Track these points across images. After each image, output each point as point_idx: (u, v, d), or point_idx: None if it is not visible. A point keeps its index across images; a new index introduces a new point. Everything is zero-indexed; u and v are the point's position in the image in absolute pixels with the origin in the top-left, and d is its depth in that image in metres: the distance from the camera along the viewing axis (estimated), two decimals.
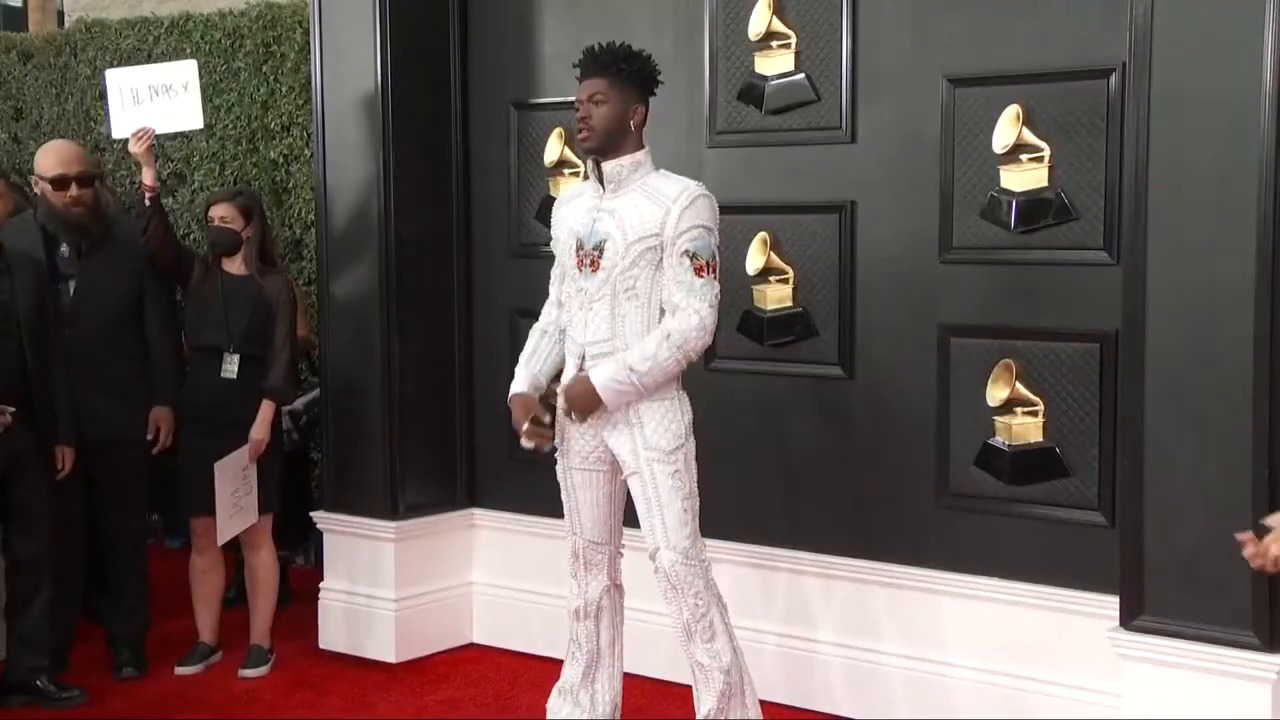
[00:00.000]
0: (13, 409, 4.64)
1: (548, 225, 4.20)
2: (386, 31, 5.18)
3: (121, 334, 5.13)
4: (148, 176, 5.18)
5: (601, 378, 3.83)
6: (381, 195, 5.24)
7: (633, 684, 4.52)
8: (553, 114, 5.23)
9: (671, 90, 4.73)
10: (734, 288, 4.70)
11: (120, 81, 5.25)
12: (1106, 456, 4.19)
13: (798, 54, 4.71)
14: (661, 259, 3.87)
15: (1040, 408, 4.31)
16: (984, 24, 4.35)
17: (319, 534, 5.57)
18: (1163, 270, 3.80)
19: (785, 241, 4.76)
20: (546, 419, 3.98)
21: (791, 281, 4.75)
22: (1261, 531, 2.91)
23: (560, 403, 3.91)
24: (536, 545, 5.23)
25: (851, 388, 4.67)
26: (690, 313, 3.83)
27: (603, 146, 3.92)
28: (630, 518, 4.03)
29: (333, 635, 5.41)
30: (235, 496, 5.03)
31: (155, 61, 6.61)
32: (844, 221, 4.62)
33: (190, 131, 5.97)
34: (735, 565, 4.73)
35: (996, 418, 4.38)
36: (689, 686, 4.05)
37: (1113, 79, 4.11)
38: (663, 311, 3.89)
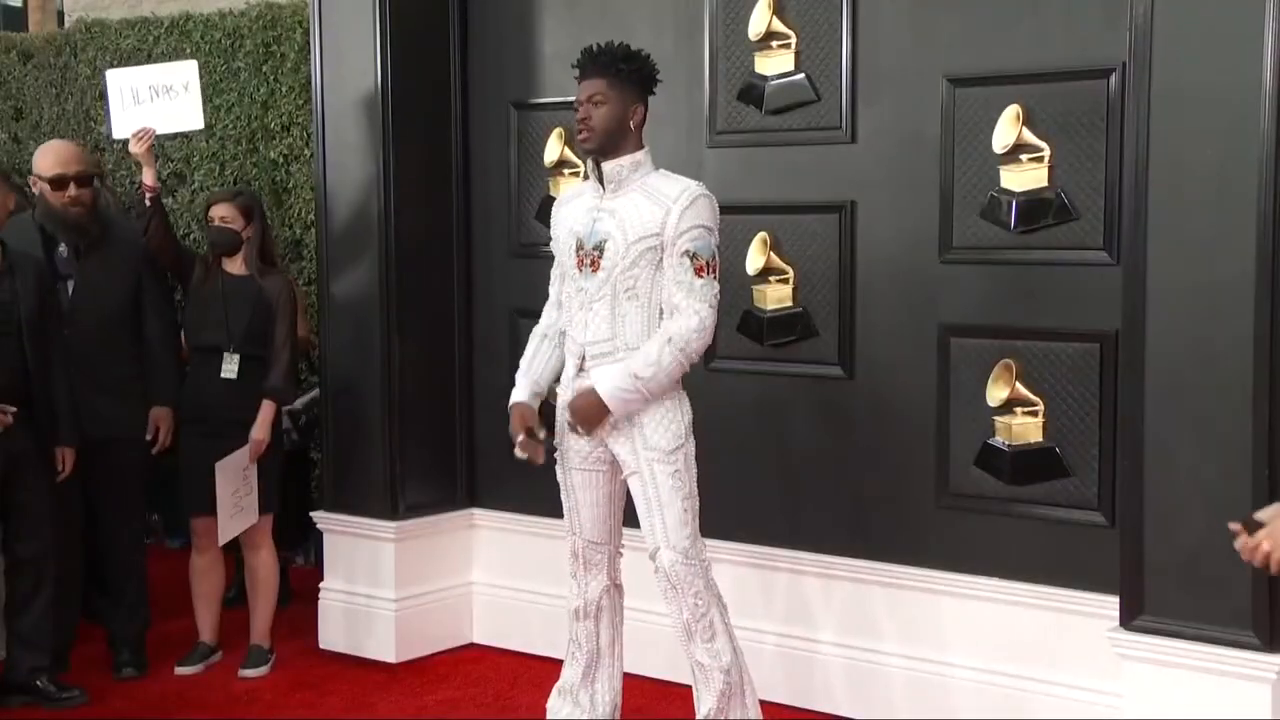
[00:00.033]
0: (14, 409, 4.64)
1: (548, 225, 4.20)
2: (386, 31, 5.18)
3: (120, 334, 5.13)
4: (148, 177, 5.19)
5: (607, 388, 3.82)
6: (381, 195, 5.24)
7: (633, 684, 4.52)
8: (553, 114, 5.23)
9: (671, 90, 4.73)
10: (734, 288, 4.70)
11: (121, 82, 5.25)
12: (1106, 456, 4.19)
13: (798, 54, 4.71)
14: (662, 259, 3.87)
15: (1040, 408, 4.31)
16: (984, 24, 4.35)
17: (319, 534, 5.57)
18: (1163, 270, 3.80)
19: (785, 241, 4.76)
20: (541, 435, 4.01)
21: (791, 281, 4.75)
22: (1254, 526, 2.90)
23: (566, 418, 3.90)
24: (536, 545, 5.23)
25: (851, 388, 4.67)
26: (690, 313, 3.83)
27: (603, 147, 3.92)
28: (630, 518, 4.03)
29: (333, 635, 5.41)
30: (236, 497, 5.03)
31: (155, 61, 6.61)
32: (844, 221, 4.62)
33: (190, 132, 5.97)
34: (735, 565, 4.73)
35: (996, 418, 4.38)
36: (689, 686, 4.05)
37: (1113, 79, 4.11)
38: (663, 311, 3.90)
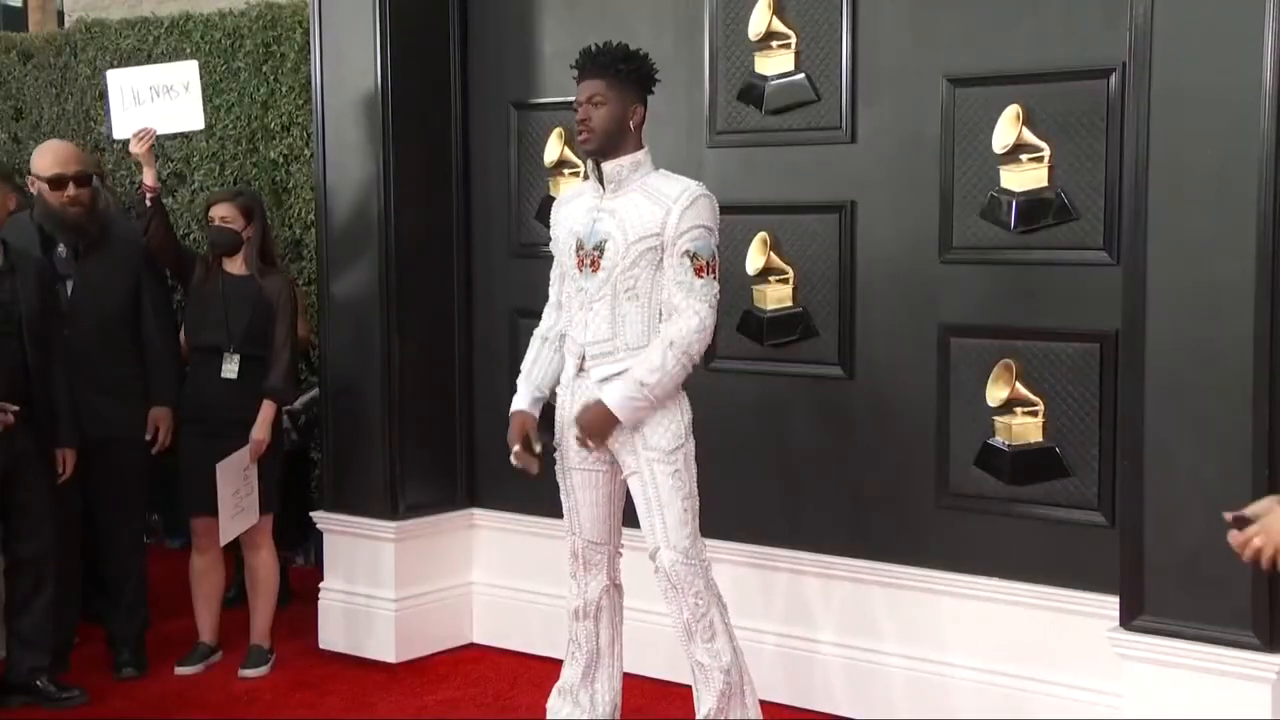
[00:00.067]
0: (15, 408, 4.64)
1: (548, 225, 4.20)
2: (386, 31, 5.18)
3: (120, 334, 5.13)
4: (148, 177, 5.18)
5: (615, 398, 3.82)
6: (381, 195, 5.24)
7: (633, 684, 4.52)
8: (553, 114, 5.23)
9: (671, 90, 4.73)
10: (734, 288, 4.70)
11: (121, 82, 5.25)
12: (1106, 456, 4.19)
13: (798, 54, 4.71)
14: (662, 259, 3.87)
15: (1040, 408, 4.31)
16: (984, 24, 4.35)
17: (319, 534, 5.57)
18: (1163, 270, 3.80)
19: (785, 241, 4.76)
20: (538, 448, 4.04)
21: (791, 281, 4.75)
22: (1243, 522, 2.91)
23: (574, 433, 3.90)
24: (536, 545, 5.23)
25: (851, 388, 4.67)
26: (690, 314, 3.83)
27: (603, 147, 3.92)
28: (630, 518, 4.03)
29: (333, 635, 5.41)
30: (237, 497, 5.03)
31: (155, 61, 6.61)
32: (844, 221, 4.62)
33: (190, 132, 5.97)
34: (735, 565, 4.73)
35: (996, 418, 4.38)
36: (689, 686, 4.05)
37: (1113, 79, 4.11)
38: (663, 312, 3.90)
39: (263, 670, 5.19)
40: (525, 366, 4.16)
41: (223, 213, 5.16)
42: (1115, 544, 4.01)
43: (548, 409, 4.13)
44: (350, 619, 5.37)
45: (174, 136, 6.36)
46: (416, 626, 5.33)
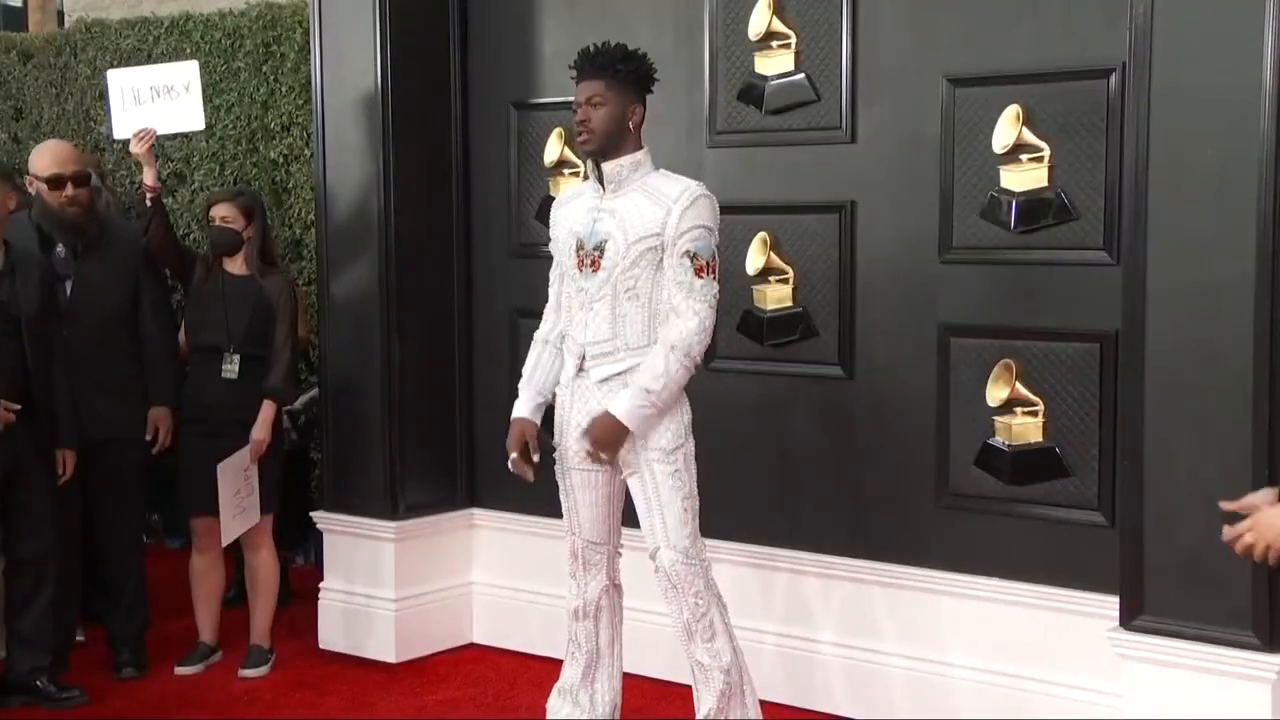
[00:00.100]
0: (17, 406, 4.64)
1: (548, 225, 4.20)
2: (386, 31, 5.18)
3: (119, 334, 5.13)
4: (149, 177, 5.18)
5: (623, 409, 3.82)
6: (381, 195, 5.24)
7: (633, 684, 4.52)
8: (553, 114, 5.23)
9: (671, 90, 4.74)
10: (734, 288, 4.70)
11: (122, 82, 5.24)
12: (1106, 456, 4.19)
13: (798, 54, 4.71)
14: (662, 259, 3.87)
15: (1040, 408, 4.31)
16: (984, 24, 4.35)
17: (319, 534, 5.57)
18: (1163, 270, 3.80)
19: (785, 241, 4.76)
20: (535, 457, 4.07)
21: (791, 281, 4.75)
22: (1236, 518, 2.93)
23: (585, 447, 3.90)
24: (536, 545, 5.23)
25: (851, 388, 4.67)
26: (689, 315, 3.83)
27: (603, 148, 3.92)
28: (629, 518, 4.03)
29: (332, 635, 5.41)
30: (238, 498, 5.03)
31: (155, 61, 6.62)
32: (844, 221, 4.62)
33: (190, 132, 5.97)
34: (735, 565, 4.73)
35: (996, 418, 4.38)
36: (689, 686, 4.05)
37: (1113, 79, 4.11)
38: (662, 312, 3.90)
39: (263, 670, 5.19)
40: (526, 371, 4.16)
41: (223, 213, 5.16)
42: (1115, 544, 4.01)
43: (550, 410, 4.13)
44: (350, 619, 5.37)
45: (174, 136, 6.36)
46: (416, 626, 5.33)
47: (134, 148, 5.20)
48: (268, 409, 5.09)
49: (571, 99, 3.99)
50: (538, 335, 4.18)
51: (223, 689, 5.07)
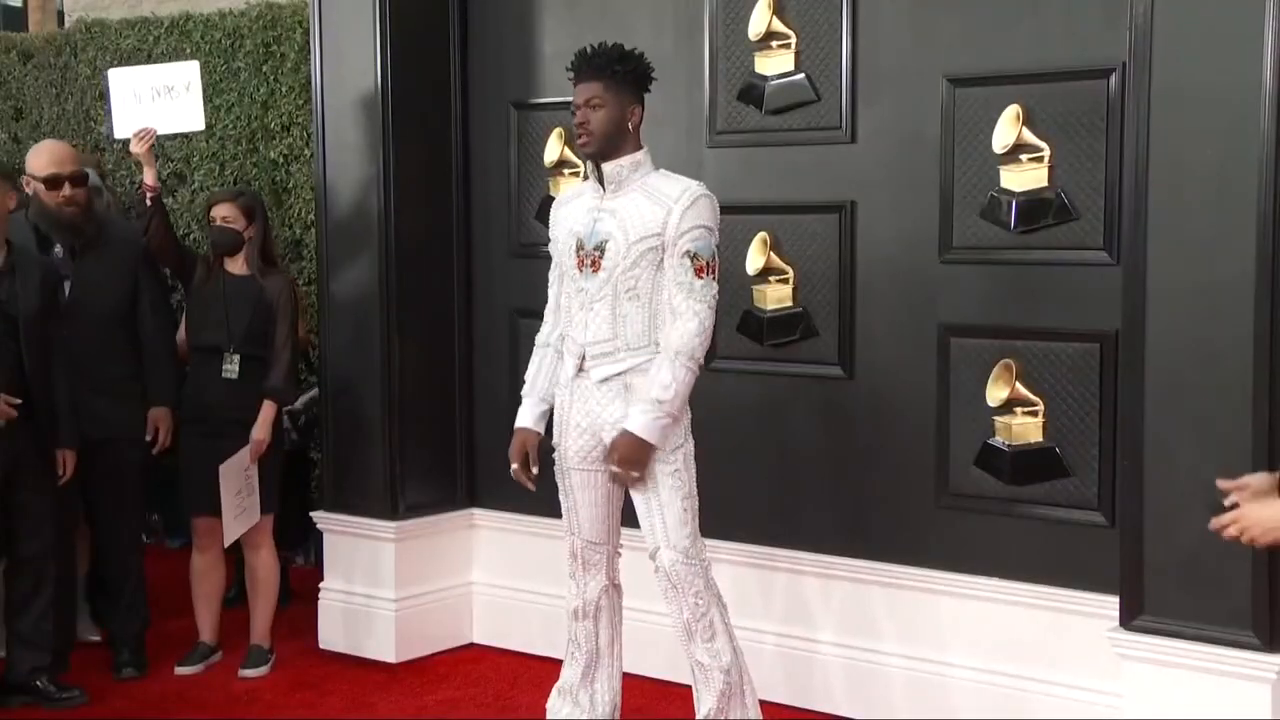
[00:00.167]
0: (18, 400, 4.63)
1: (548, 225, 4.20)
2: (386, 31, 5.18)
3: (118, 334, 5.13)
4: (149, 176, 5.18)
5: (641, 425, 3.82)
6: (381, 195, 5.24)
7: (633, 684, 4.52)
8: (553, 114, 5.22)
9: (671, 90, 4.74)
10: (734, 288, 4.71)
11: (122, 81, 5.24)
12: (1106, 456, 4.19)
13: (798, 54, 4.71)
14: (662, 259, 3.87)
15: (1040, 408, 4.31)
16: (984, 24, 4.35)
17: (319, 534, 5.57)
18: (1163, 270, 3.80)
19: (785, 241, 4.76)
20: (534, 470, 4.10)
21: (791, 281, 4.75)
22: (1222, 509, 2.97)
23: (613, 468, 3.89)
24: (536, 545, 5.23)
25: (851, 388, 4.67)
26: (689, 316, 3.84)
27: (602, 150, 3.92)
28: (629, 517, 4.03)
29: (332, 635, 5.41)
30: (239, 498, 5.03)
31: (155, 61, 6.61)
32: (844, 221, 4.62)
33: (190, 132, 5.97)
34: (735, 565, 4.73)
35: (996, 418, 4.38)
36: (689, 686, 4.05)
37: (1113, 79, 4.11)
38: (661, 312, 3.90)
39: (263, 670, 5.19)
40: (529, 377, 4.16)
41: (224, 213, 5.16)
42: (1115, 544, 4.02)
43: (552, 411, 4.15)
44: (350, 619, 5.37)
45: (174, 136, 6.36)
46: (416, 626, 5.33)
47: (134, 147, 5.19)
48: (268, 409, 5.09)
49: (571, 99, 3.99)
50: (539, 339, 4.18)
51: (223, 689, 5.06)
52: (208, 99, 5.81)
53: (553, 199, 4.76)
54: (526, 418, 4.14)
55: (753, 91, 4.79)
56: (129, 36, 7.13)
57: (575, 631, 4.16)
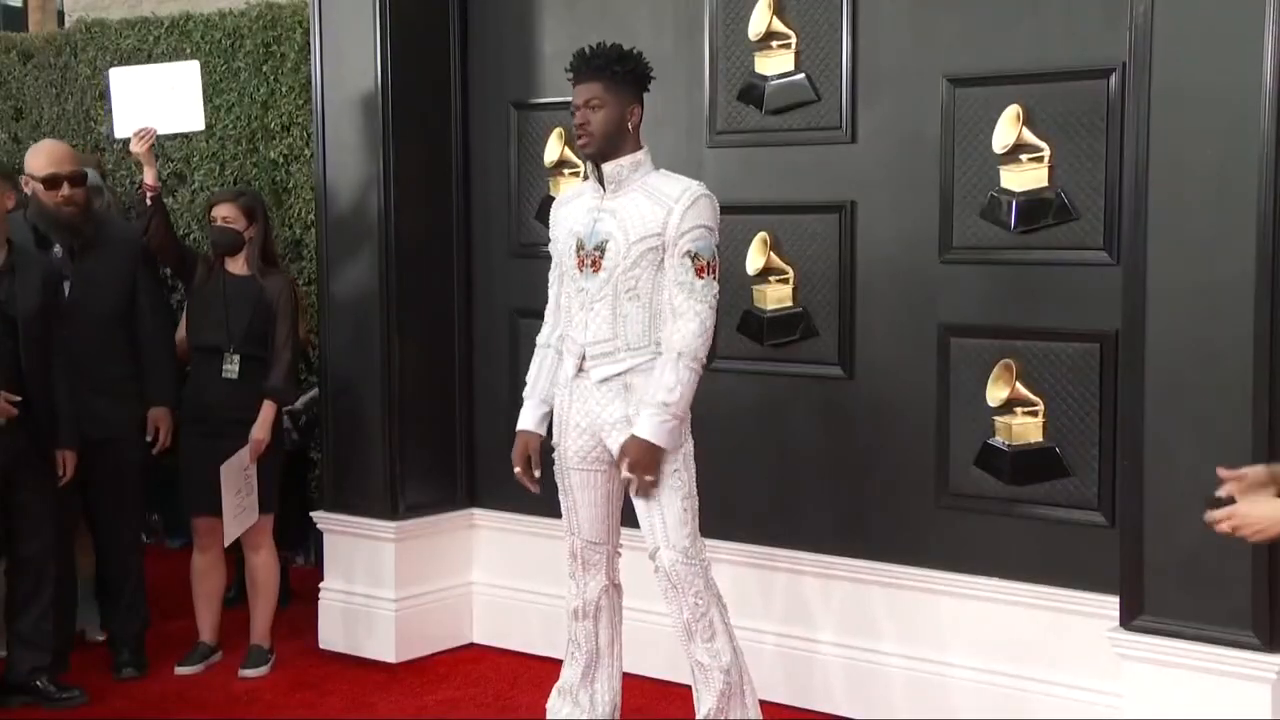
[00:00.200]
0: (18, 398, 4.63)
1: (548, 225, 4.20)
2: (386, 31, 5.18)
3: (117, 334, 5.13)
4: (149, 176, 5.18)
5: (649, 429, 3.82)
6: (381, 195, 5.24)
7: (632, 684, 4.52)
8: (553, 114, 5.22)
9: (671, 90, 4.74)
10: (734, 288, 4.70)
11: (123, 81, 5.24)
12: (1106, 456, 4.19)
13: (798, 54, 4.71)
14: (663, 259, 3.87)
15: (1040, 408, 4.31)
16: (984, 24, 4.35)
17: (319, 534, 5.57)
18: (1163, 270, 3.80)
19: (785, 241, 4.76)
20: (537, 473, 4.11)
21: (791, 281, 4.75)
22: (1215, 503, 2.99)
23: (626, 474, 3.88)
24: (536, 545, 5.23)
25: (851, 388, 4.67)
26: (690, 316, 3.84)
27: (602, 150, 3.91)
28: (628, 517, 4.03)
29: (332, 635, 5.41)
30: (239, 497, 5.03)
31: (155, 61, 6.61)
32: (844, 221, 4.62)
33: (190, 132, 5.97)
34: (735, 565, 4.73)
35: (996, 418, 4.38)
36: (689, 686, 4.05)
37: (1113, 79, 4.11)
38: (663, 312, 3.90)
39: (263, 670, 5.19)
40: (530, 379, 4.16)
41: (225, 213, 5.16)
42: (1115, 544, 4.02)
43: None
44: (350, 619, 5.37)
45: (174, 136, 6.36)
46: (416, 626, 5.33)
47: (134, 147, 5.19)
48: (268, 409, 5.09)
49: (571, 99, 3.99)
50: (539, 340, 4.18)
51: (223, 689, 5.06)
52: (208, 99, 5.81)
53: (553, 199, 4.77)
54: (528, 420, 4.14)
55: (753, 91, 4.79)
56: (129, 36, 7.13)
57: (575, 631, 4.16)
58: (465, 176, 5.47)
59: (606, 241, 3.90)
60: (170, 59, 6.58)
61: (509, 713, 4.85)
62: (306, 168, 6.39)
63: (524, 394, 4.17)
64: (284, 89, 6.56)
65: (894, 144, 4.54)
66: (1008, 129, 4.30)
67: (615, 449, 3.94)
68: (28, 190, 5.09)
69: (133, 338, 5.17)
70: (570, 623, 4.17)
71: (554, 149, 5.27)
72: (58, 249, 5.07)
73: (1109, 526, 4.17)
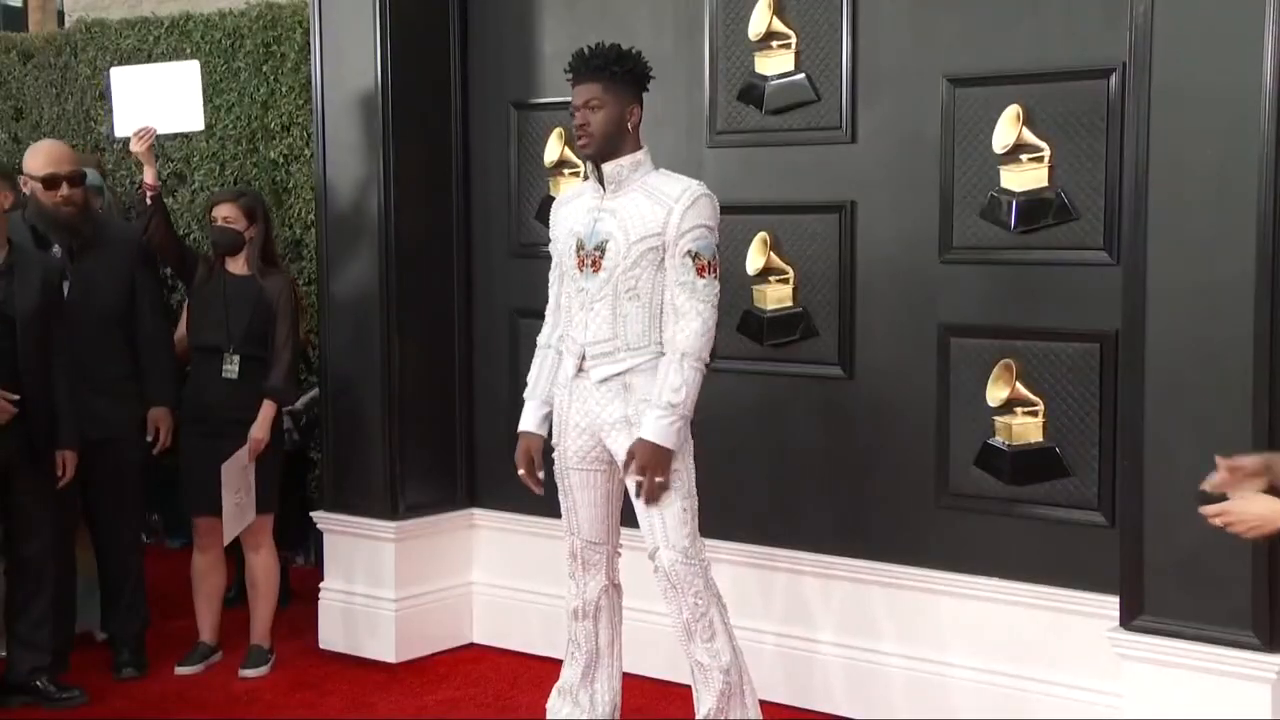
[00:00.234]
0: (16, 396, 4.62)
1: (548, 225, 4.20)
2: (386, 31, 5.18)
3: (117, 334, 5.13)
4: (149, 175, 5.18)
5: (653, 430, 3.81)
6: (381, 195, 5.24)
7: (632, 684, 4.52)
8: (553, 114, 5.22)
9: (671, 90, 4.74)
10: (734, 288, 4.70)
11: (123, 80, 5.24)
12: (1106, 456, 4.19)
13: (798, 54, 4.71)
14: (663, 259, 3.87)
15: (1040, 408, 4.31)
16: (984, 24, 4.35)
17: (319, 534, 5.57)
18: (1163, 270, 3.80)
19: (785, 241, 4.76)
20: (540, 474, 4.11)
21: (791, 281, 4.75)
22: (1207, 499, 3.00)
23: (636, 478, 3.87)
24: (536, 545, 5.23)
25: (851, 388, 4.67)
26: (693, 316, 3.84)
27: (602, 151, 3.91)
28: (628, 517, 4.03)
29: (332, 635, 5.41)
30: (238, 496, 5.03)
31: (155, 61, 6.61)
32: (844, 221, 4.62)
33: (190, 132, 5.97)
34: (734, 565, 4.73)
35: (996, 418, 4.38)
36: (689, 686, 4.05)
37: (1113, 79, 4.11)
38: (664, 311, 3.90)
39: (263, 670, 5.19)
40: (531, 379, 4.16)
41: (225, 213, 5.16)
42: (1115, 544, 4.02)
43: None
44: (350, 619, 5.37)
45: (174, 136, 6.36)
46: (416, 626, 5.33)
47: (134, 146, 5.19)
48: (267, 408, 5.09)
49: (571, 100, 3.99)
50: (540, 340, 4.18)
51: (223, 689, 5.06)
52: (208, 99, 5.81)
53: (553, 199, 4.77)
54: (529, 421, 4.14)
55: (753, 91, 4.79)
56: (129, 36, 7.13)
57: (575, 631, 4.16)
58: (465, 176, 5.47)
59: (606, 241, 3.90)
60: (170, 59, 6.58)
61: (509, 713, 4.85)
62: (306, 168, 6.39)
63: (525, 395, 4.17)
64: (284, 89, 6.56)
65: (894, 144, 4.54)
66: (1008, 129, 4.30)
67: (614, 449, 3.94)
68: (26, 190, 5.09)
69: (132, 338, 5.17)
70: (570, 623, 4.17)
71: (554, 149, 5.27)
72: (56, 249, 5.06)
73: (1109, 526, 4.17)
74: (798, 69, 4.70)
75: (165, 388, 5.21)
